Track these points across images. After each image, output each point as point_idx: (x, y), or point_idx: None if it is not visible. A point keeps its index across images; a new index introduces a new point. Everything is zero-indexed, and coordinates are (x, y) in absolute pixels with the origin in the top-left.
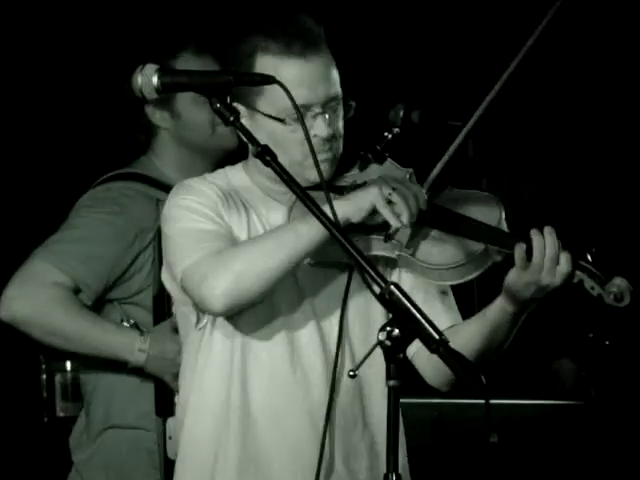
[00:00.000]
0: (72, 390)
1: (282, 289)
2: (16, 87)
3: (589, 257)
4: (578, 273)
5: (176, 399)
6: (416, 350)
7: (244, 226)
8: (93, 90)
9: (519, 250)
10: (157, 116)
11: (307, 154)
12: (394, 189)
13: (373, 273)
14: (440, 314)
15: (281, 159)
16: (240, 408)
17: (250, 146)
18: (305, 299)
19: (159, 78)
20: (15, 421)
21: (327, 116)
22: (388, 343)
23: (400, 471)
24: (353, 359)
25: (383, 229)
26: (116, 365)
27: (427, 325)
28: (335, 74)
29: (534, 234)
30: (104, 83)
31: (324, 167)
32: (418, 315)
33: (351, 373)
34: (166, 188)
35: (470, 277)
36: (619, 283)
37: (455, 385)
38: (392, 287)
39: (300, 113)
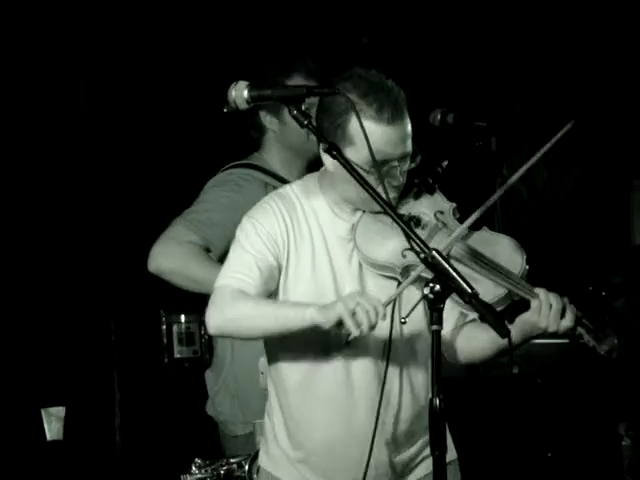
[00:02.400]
0: (186, 337)
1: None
2: (128, 86)
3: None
4: (579, 328)
5: None
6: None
7: (307, 240)
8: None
9: (536, 302)
10: (268, 119)
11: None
12: (358, 303)
13: (419, 242)
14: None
15: (355, 194)
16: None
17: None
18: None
19: (249, 92)
20: (143, 362)
21: (400, 169)
22: (431, 296)
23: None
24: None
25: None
26: None
27: (462, 282)
28: (410, 132)
29: (541, 291)
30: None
31: (392, 203)
32: (454, 274)
33: (402, 320)
34: (274, 176)
35: None
36: (610, 342)
37: (466, 366)
38: (434, 252)
39: (378, 167)
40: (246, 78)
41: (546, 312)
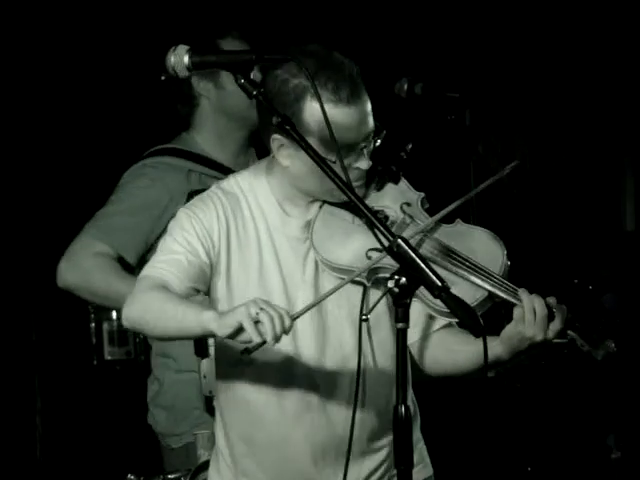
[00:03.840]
0: (118, 336)
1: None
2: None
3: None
4: (570, 332)
5: (210, 342)
6: (414, 341)
7: (253, 242)
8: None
9: (518, 311)
10: (201, 86)
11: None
12: (262, 309)
13: (383, 229)
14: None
15: (319, 186)
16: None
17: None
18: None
19: (190, 57)
20: (68, 364)
21: (367, 150)
22: (396, 290)
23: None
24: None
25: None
26: None
27: (430, 274)
28: (370, 108)
29: (523, 296)
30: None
31: (360, 191)
32: (423, 265)
33: (364, 317)
34: (197, 159)
35: None
36: (607, 346)
37: (443, 378)
38: (399, 241)
39: (340, 155)
40: (177, 40)
41: (531, 319)
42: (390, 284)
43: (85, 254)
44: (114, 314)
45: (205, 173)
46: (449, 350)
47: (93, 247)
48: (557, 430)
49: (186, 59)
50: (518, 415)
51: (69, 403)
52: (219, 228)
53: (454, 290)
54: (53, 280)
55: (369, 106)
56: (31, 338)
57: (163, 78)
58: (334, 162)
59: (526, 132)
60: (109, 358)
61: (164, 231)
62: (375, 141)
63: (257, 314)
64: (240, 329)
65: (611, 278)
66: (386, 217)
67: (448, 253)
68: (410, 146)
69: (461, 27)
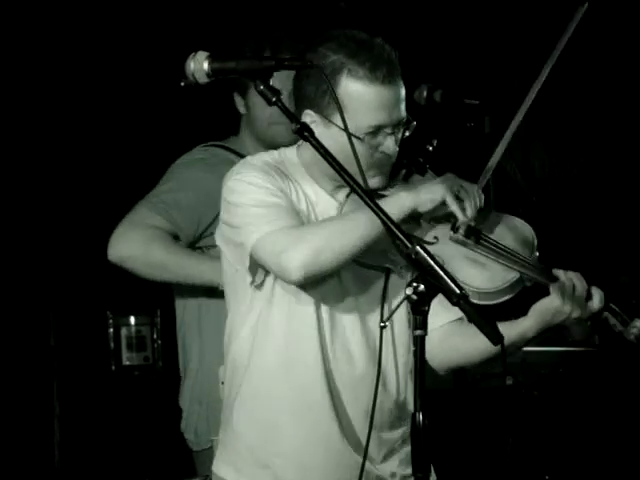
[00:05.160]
0: (136, 342)
1: (327, 287)
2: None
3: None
4: (604, 313)
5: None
6: (433, 329)
7: (304, 208)
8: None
9: (557, 285)
10: (237, 101)
11: (371, 166)
12: (461, 186)
13: (401, 236)
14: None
15: (347, 168)
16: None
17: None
18: (349, 296)
19: (209, 64)
20: (86, 370)
21: (395, 137)
22: (414, 297)
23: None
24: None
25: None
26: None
27: (449, 281)
28: (404, 96)
29: (561, 273)
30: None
31: (383, 178)
32: (441, 272)
33: (382, 324)
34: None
35: (501, 300)
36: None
37: (452, 371)
38: (417, 247)
39: (348, 132)
40: (232, 53)
41: (570, 294)
42: (408, 291)
43: (140, 226)
44: (132, 319)
45: None
46: (469, 336)
47: (149, 219)
48: (575, 439)
49: (206, 65)
50: (535, 423)
51: (87, 408)
52: (283, 187)
53: (485, 272)
54: (71, 285)
55: (403, 92)
56: (49, 343)
57: (182, 84)
58: (362, 139)
59: (545, 139)
60: (127, 363)
61: (210, 226)
62: (405, 131)
63: (458, 191)
64: (441, 204)
65: (630, 285)
66: None
67: (485, 240)
68: (436, 141)
69: (481, 34)
